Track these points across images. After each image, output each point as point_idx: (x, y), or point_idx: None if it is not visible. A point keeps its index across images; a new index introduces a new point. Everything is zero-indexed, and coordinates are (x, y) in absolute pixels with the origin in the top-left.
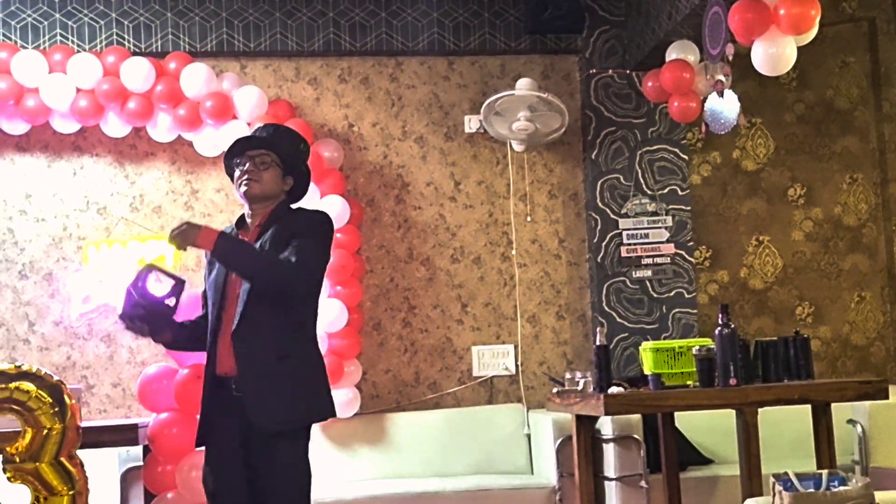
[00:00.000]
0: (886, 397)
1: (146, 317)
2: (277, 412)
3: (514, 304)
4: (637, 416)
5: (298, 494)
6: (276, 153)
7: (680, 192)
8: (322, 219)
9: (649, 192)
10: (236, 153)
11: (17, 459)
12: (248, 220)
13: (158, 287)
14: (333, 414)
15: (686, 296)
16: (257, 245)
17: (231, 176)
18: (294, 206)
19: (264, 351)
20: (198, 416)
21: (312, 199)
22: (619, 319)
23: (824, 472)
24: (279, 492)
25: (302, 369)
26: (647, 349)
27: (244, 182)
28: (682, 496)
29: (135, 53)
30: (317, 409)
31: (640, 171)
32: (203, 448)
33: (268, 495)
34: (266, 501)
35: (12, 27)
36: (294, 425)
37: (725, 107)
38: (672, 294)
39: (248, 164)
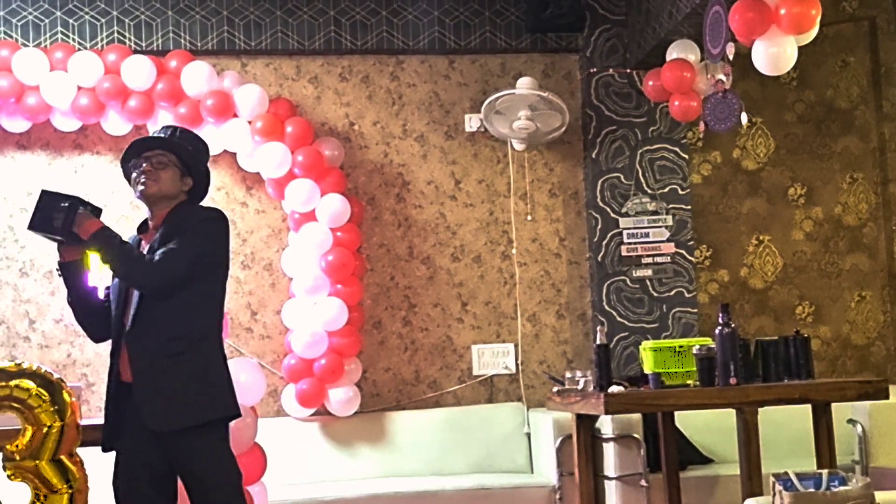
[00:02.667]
0: (887, 397)
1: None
2: (170, 412)
3: (515, 303)
4: (637, 416)
5: (227, 491)
6: (175, 153)
7: (680, 192)
8: (207, 215)
9: (650, 192)
10: (132, 155)
11: (17, 457)
12: (150, 223)
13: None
14: (235, 412)
15: (686, 295)
16: (149, 246)
17: (128, 178)
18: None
19: (155, 352)
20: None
21: (313, 199)
22: (619, 318)
23: (824, 471)
24: (208, 491)
25: (194, 368)
26: (647, 348)
27: (141, 182)
28: (682, 496)
29: (136, 51)
30: (215, 406)
31: (640, 170)
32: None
33: (197, 497)
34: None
35: (13, 25)
36: (188, 423)
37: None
38: (672, 293)
39: (144, 165)
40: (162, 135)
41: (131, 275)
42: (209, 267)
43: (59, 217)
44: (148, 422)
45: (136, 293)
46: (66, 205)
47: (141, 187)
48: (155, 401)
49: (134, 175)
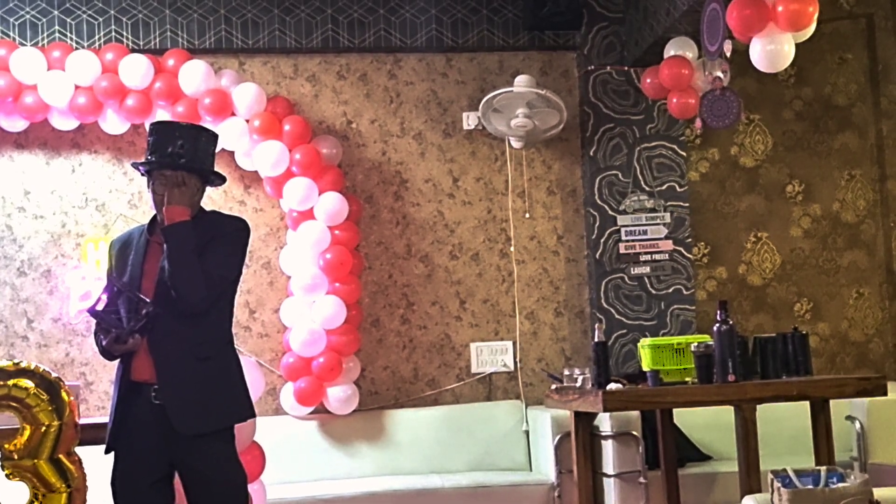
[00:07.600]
0: (885, 394)
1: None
2: (200, 415)
3: (513, 301)
4: (636, 413)
5: (235, 493)
6: (194, 172)
7: (678, 189)
8: (240, 226)
9: (647, 189)
10: (146, 169)
11: (16, 456)
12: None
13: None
14: (253, 415)
15: (684, 292)
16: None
17: (137, 168)
18: (208, 207)
19: (183, 356)
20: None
21: (311, 197)
22: (617, 316)
23: (823, 468)
24: (216, 493)
25: (222, 371)
26: (645, 346)
27: (165, 211)
28: (680, 493)
29: (133, 50)
30: (238, 409)
31: (638, 167)
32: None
33: (205, 498)
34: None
35: (11, 24)
36: (217, 427)
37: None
38: (670, 290)
39: (161, 188)
40: (179, 150)
41: (183, 286)
42: (239, 277)
43: (137, 325)
44: (176, 424)
45: (152, 294)
46: (145, 312)
47: (163, 216)
48: (184, 403)
49: (152, 195)
